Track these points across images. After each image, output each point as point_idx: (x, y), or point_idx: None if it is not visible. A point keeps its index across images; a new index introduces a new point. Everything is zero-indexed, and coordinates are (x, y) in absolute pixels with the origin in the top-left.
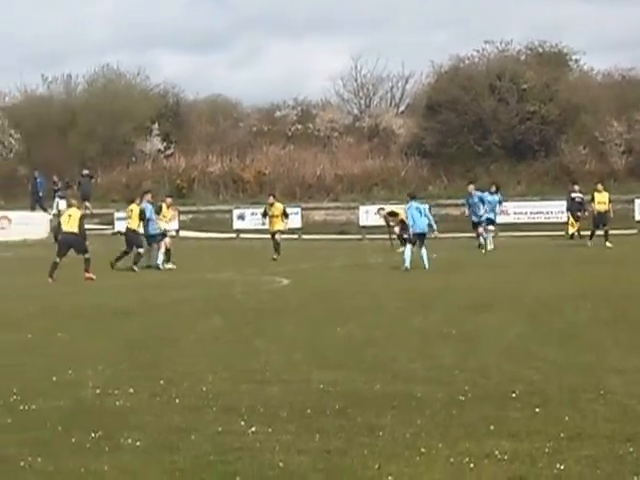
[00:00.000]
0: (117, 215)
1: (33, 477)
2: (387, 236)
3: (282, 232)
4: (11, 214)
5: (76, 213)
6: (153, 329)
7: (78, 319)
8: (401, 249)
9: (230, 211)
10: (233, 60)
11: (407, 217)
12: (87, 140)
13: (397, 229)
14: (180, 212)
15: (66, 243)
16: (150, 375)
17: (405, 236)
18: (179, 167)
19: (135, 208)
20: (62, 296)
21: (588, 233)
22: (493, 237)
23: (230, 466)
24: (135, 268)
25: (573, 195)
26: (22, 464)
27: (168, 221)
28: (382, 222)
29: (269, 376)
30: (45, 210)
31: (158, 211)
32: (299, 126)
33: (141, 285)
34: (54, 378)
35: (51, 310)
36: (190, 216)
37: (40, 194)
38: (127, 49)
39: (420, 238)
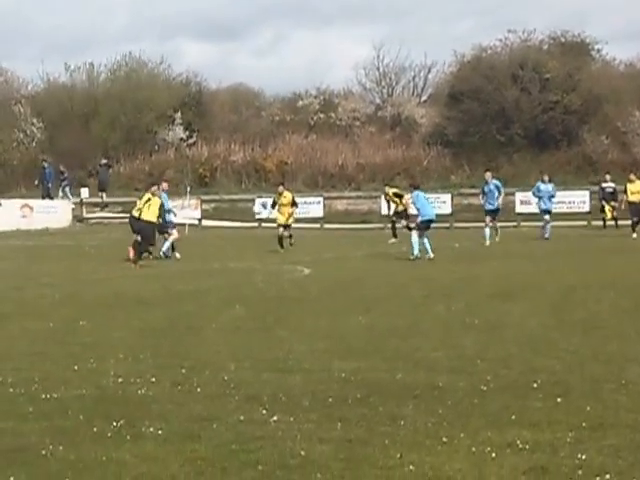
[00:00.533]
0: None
1: (55, 465)
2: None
3: (290, 227)
4: (33, 202)
5: (156, 202)
6: (175, 318)
7: (100, 308)
8: (392, 240)
9: (252, 200)
10: (256, 49)
11: (414, 206)
12: (110, 129)
13: (404, 221)
14: (202, 201)
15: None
16: (172, 364)
17: (412, 225)
18: (202, 156)
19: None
20: (84, 284)
21: (625, 223)
22: (544, 227)
23: (252, 455)
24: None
25: (604, 185)
26: (43, 452)
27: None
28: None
29: (291, 365)
30: (51, 199)
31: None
32: (321, 115)
33: (163, 274)
34: (76, 367)
35: (73, 299)
36: (212, 205)
37: (49, 184)
38: (150, 38)
39: (428, 226)
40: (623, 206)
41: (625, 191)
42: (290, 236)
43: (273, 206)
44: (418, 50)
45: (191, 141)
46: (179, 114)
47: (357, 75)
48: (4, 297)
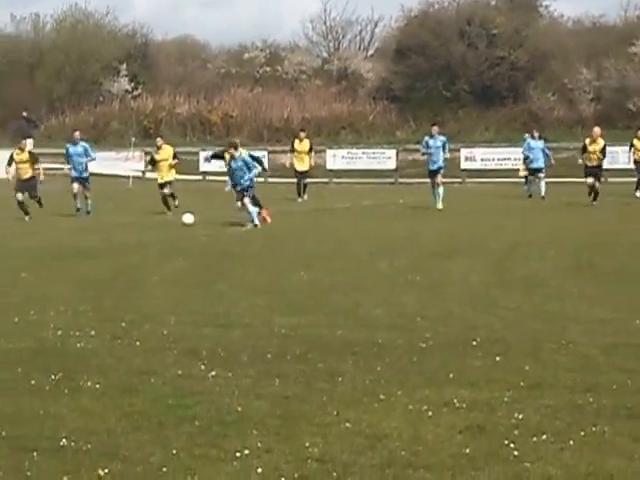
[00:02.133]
0: None
1: None
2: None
3: (171, 183)
4: None
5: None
6: (117, 270)
7: (42, 260)
8: (300, 199)
9: (197, 153)
10: (205, 0)
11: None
12: (55, 80)
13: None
14: (146, 153)
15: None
16: (112, 317)
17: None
18: (146, 108)
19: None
20: (26, 237)
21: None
22: (527, 185)
23: (189, 410)
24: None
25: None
26: None
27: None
28: (349, 166)
29: (231, 320)
30: None
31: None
32: (267, 68)
33: (105, 227)
34: (16, 319)
35: (16, 251)
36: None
37: None
38: None
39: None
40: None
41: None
42: (172, 195)
43: (152, 163)
44: (365, 4)
45: (136, 93)
46: (124, 66)
47: (304, 28)
48: None
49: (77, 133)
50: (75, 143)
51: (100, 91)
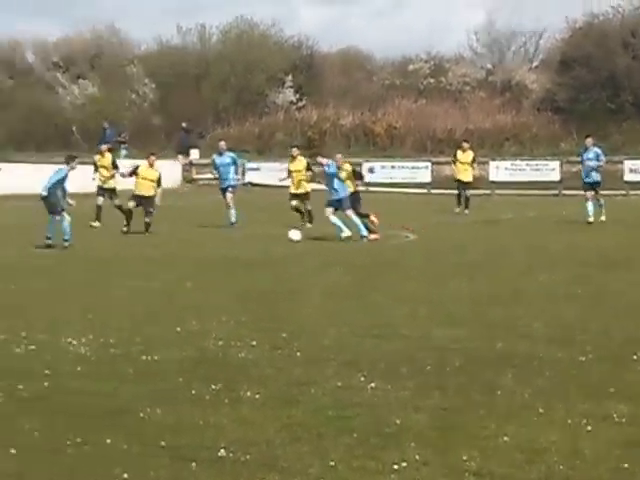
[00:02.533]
0: (248, 165)
1: (152, 428)
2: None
3: (308, 195)
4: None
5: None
6: (277, 281)
7: (204, 269)
8: (458, 209)
9: (360, 164)
10: (371, 12)
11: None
12: (220, 90)
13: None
14: (308, 164)
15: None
16: (272, 327)
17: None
18: (311, 119)
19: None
20: (190, 246)
21: None
22: None
23: (348, 422)
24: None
25: None
26: (141, 415)
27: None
28: (512, 178)
29: (390, 331)
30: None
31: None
32: (431, 80)
33: (265, 237)
34: (178, 328)
35: (177, 259)
36: (320, 168)
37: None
38: (264, 1)
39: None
40: None
41: None
42: (308, 212)
43: (289, 173)
44: (530, 15)
45: (301, 104)
46: (290, 77)
47: (468, 40)
48: (108, 256)
49: (222, 143)
50: (221, 154)
51: (265, 102)
